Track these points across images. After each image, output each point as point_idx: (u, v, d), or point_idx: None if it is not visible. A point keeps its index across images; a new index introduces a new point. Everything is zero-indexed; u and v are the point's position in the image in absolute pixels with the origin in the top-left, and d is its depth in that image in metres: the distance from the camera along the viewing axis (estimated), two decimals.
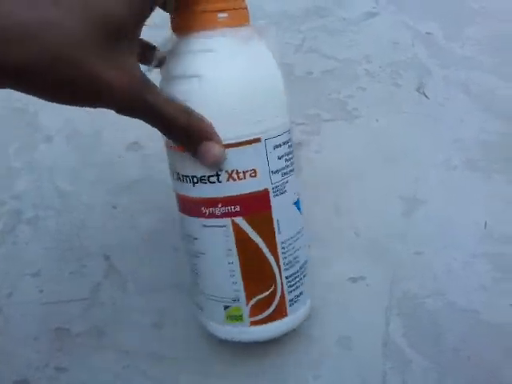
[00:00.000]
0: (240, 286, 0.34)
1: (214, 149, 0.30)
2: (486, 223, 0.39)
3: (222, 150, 0.30)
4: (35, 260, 0.42)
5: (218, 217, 0.32)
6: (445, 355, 0.39)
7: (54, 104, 0.29)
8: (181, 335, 0.42)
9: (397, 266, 0.41)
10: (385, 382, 0.39)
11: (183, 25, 0.31)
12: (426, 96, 0.40)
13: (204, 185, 0.32)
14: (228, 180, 0.31)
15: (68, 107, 0.27)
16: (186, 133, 0.29)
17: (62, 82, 0.23)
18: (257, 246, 0.33)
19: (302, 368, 0.42)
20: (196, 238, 0.34)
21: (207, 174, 0.31)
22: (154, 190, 0.44)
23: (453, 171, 0.41)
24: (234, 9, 0.31)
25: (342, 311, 0.41)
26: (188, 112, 0.29)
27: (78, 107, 0.26)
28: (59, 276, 0.42)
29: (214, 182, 0.32)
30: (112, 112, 0.28)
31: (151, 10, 0.27)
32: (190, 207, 0.33)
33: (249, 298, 0.34)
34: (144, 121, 0.29)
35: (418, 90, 0.40)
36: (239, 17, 0.31)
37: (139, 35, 0.27)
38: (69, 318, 0.42)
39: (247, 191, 0.32)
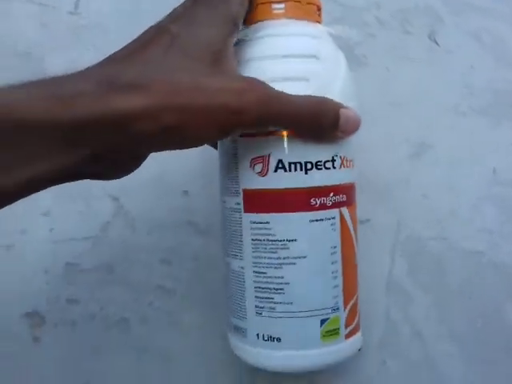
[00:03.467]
0: (340, 290, 0.30)
1: (353, 113, 0.29)
2: (494, 169, 0.40)
3: (358, 114, 0.29)
4: (45, 201, 0.41)
5: (328, 208, 0.29)
6: (447, 294, 0.39)
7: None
8: (188, 272, 0.42)
9: (402, 208, 0.40)
10: (388, 318, 0.39)
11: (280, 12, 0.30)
12: (436, 43, 0.40)
13: (318, 171, 0.29)
14: (340, 167, 0.30)
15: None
16: (322, 115, 0.28)
17: (199, 113, 0.23)
18: (353, 241, 0.31)
19: None
20: (294, 240, 0.29)
21: (323, 158, 0.29)
22: None
23: (462, 117, 0.40)
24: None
25: None
26: (309, 96, 0.28)
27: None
28: (68, 215, 0.41)
29: (329, 168, 0.29)
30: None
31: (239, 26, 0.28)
32: (295, 201, 0.29)
33: (346, 302, 0.30)
34: (280, 126, 0.28)
35: (429, 37, 0.40)
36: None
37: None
38: (79, 255, 0.41)
39: (350, 181, 0.31)
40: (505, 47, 0.40)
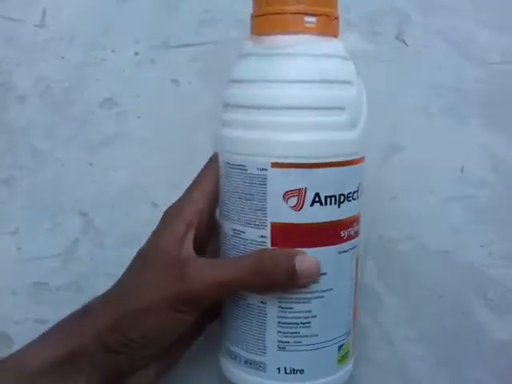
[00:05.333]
0: (352, 315, 0.31)
1: (310, 258, 0.27)
2: (462, 167, 0.40)
3: (314, 258, 0.28)
4: (12, 219, 0.42)
5: (352, 238, 0.29)
6: (417, 295, 0.41)
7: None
8: None
9: (371, 211, 0.39)
10: (358, 322, 0.40)
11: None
12: (405, 43, 0.39)
13: (348, 203, 0.28)
14: (360, 196, 0.29)
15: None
16: (275, 271, 0.27)
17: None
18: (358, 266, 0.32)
19: None
20: (324, 274, 0.28)
21: (352, 189, 0.28)
22: (128, 146, 0.41)
23: (430, 117, 0.40)
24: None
25: None
26: (252, 255, 0.28)
27: None
28: (37, 233, 0.42)
29: (355, 199, 0.29)
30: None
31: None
32: (327, 235, 0.28)
33: (354, 324, 0.31)
34: (227, 295, 0.30)
35: (397, 37, 0.39)
36: None
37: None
38: (47, 273, 0.42)
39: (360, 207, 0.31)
40: (472, 46, 0.40)
